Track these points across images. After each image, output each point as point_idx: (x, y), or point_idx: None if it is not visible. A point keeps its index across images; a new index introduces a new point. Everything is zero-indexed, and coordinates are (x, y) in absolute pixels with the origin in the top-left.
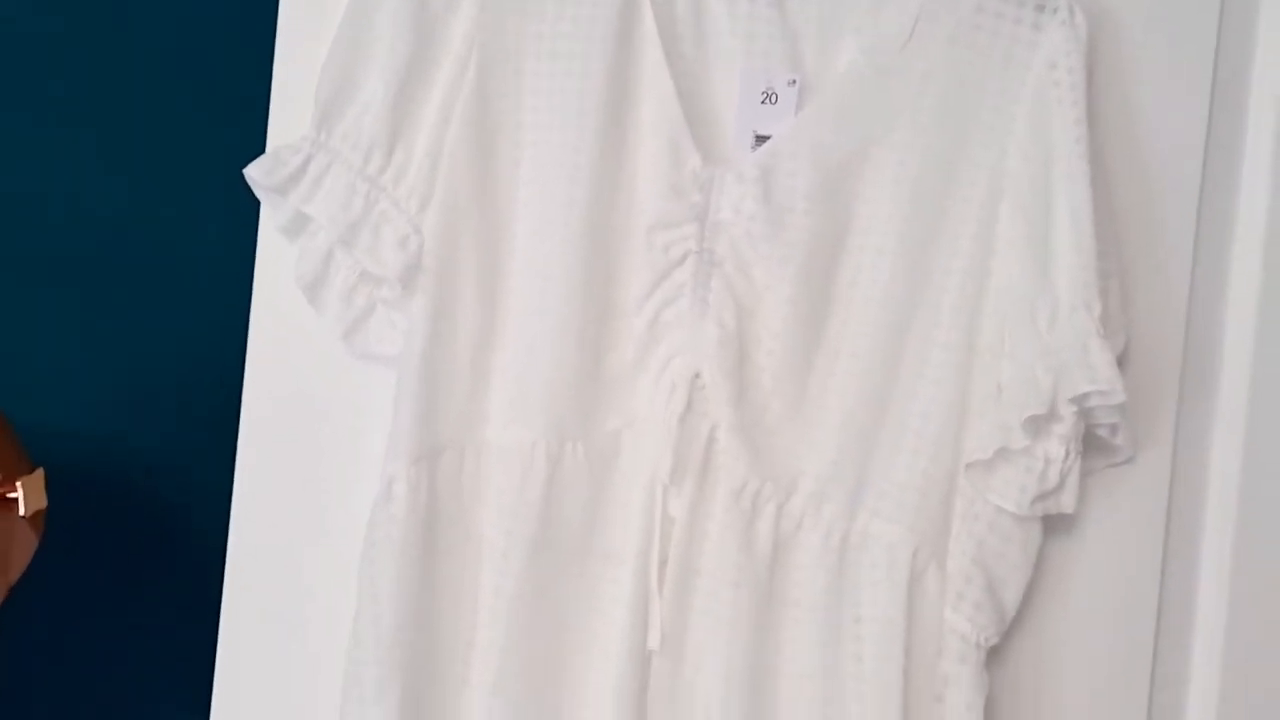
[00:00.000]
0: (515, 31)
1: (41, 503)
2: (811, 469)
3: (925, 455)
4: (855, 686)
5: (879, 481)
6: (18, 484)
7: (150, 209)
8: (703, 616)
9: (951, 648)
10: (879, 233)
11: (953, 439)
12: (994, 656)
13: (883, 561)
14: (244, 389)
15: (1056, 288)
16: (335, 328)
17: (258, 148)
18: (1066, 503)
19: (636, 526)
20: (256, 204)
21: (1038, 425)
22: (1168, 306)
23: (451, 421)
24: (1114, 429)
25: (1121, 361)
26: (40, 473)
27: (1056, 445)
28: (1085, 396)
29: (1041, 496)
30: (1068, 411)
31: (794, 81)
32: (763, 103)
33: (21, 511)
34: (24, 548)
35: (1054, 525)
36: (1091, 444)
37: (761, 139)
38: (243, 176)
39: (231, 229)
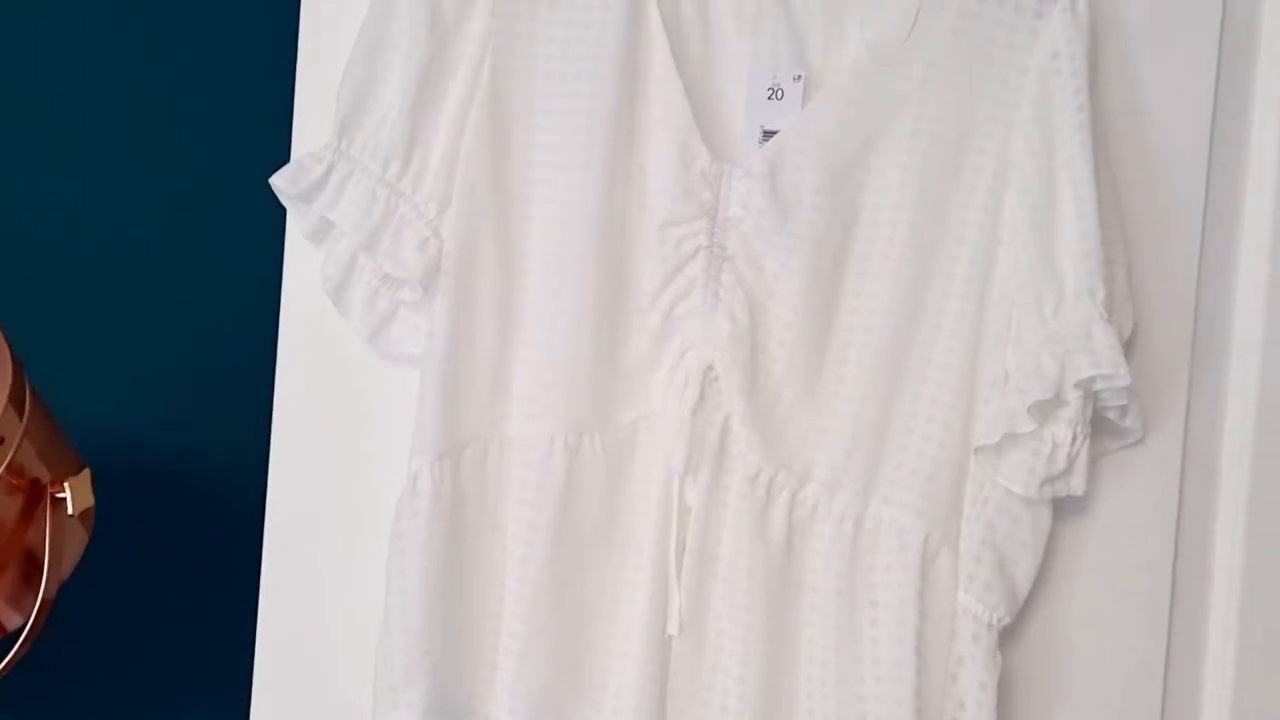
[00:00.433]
0: (526, 36)
1: (89, 501)
2: (824, 457)
3: (935, 441)
4: (871, 669)
5: (891, 468)
6: (66, 484)
7: (187, 218)
8: (721, 602)
9: (964, 629)
10: (886, 223)
11: (962, 424)
12: (1009, 637)
13: (895, 546)
14: (275, 390)
15: (1061, 274)
16: (360, 330)
17: (284, 156)
18: (1076, 485)
19: (654, 516)
20: (284, 211)
21: (1044, 410)
22: (1176, 289)
23: (473, 417)
24: (1123, 411)
25: (1130, 344)
26: (87, 473)
27: (1064, 429)
28: (1090, 381)
29: (1050, 480)
30: (1073, 396)
31: (799, 77)
32: (769, 99)
33: (70, 511)
34: (75, 545)
35: (1066, 507)
36: (1102, 426)
37: (769, 134)
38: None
39: (262, 235)
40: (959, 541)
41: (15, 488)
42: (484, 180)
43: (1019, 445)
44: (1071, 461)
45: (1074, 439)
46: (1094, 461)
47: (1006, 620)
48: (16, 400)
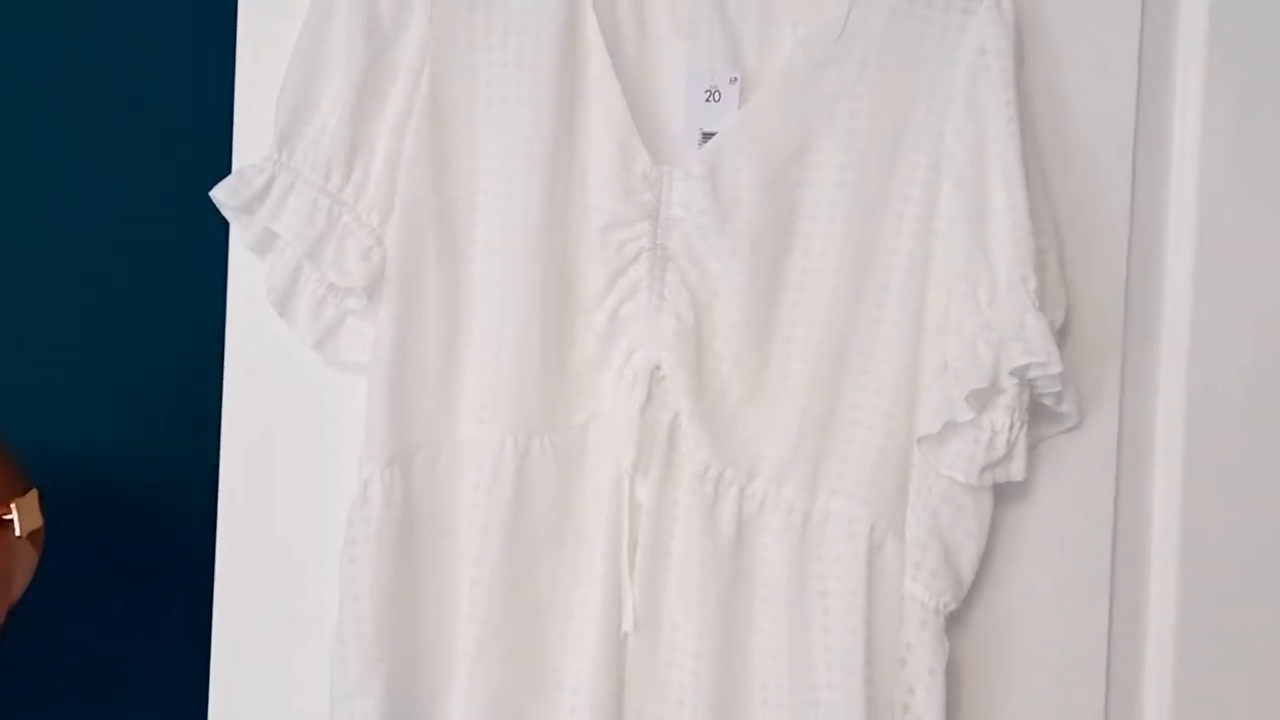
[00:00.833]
0: (465, 43)
1: (37, 522)
2: (771, 451)
3: (879, 431)
4: (823, 656)
5: (836, 460)
6: (12, 505)
7: (130, 231)
8: (674, 598)
9: (912, 615)
10: (825, 219)
11: (905, 415)
12: (956, 622)
13: (843, 536)
14: (223, 402)
15: (995, 265)
16: (306, 339)
17: (225, 166)
18: (1016, 470)
19: (606, 515)
20: (227, 222)
21: (982, 398)
22: (1107, 276)
23: (422, 423)
24: (1058, 398)
25: (1064, 332)
26: (34, 494)
27: (1001, 416)
28: (1024, 368)
29: (990, 466)
30: (1009, 383)
31: (735, 79)
32: (707, 101)
33: (18, 532)
34: (25, 567)
35: (1007, 492)
36: (1039, 413)
37: (708, 136)
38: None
39: (205, 246)
40: (905, 530)
41: None
42: (426, 187)
43: (959, 433)
44: (1010, 448)
45: (1012, 425)
46: (1033, 447)
47: (953, 606)
48: None
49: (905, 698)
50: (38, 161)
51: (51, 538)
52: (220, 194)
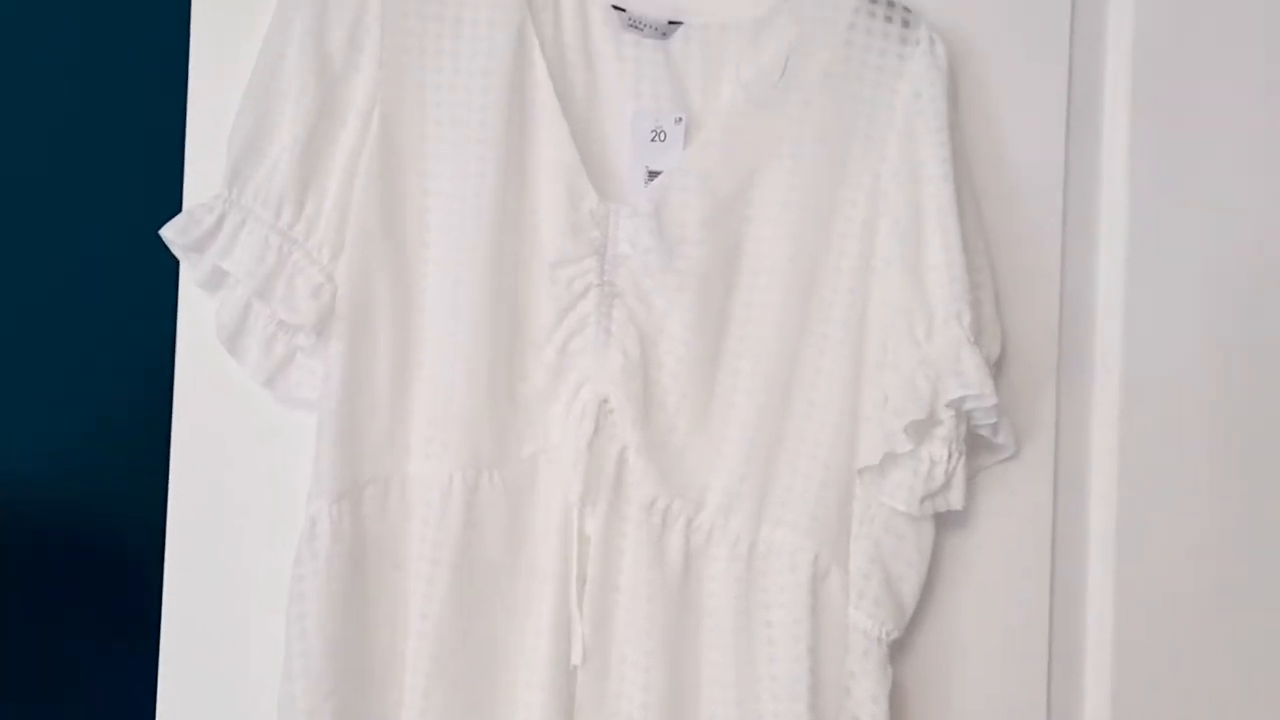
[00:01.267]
0: (415, 84)
1: None
2: (718, 483)
3: (822, 463)
4: (769, 686)
5: (780, 491)
6: None
7: (79, 268)
8: (623, 630)
9: (856, 644)
10: (769, 255)
11: (847, 447)
12: (899, 649)
13: (787, 566)
14: (172, 437)
15: (931, 301)
16: (257, 376)
17: (175, 204)
18: (955, 500)
19: (554, 548)
20: (176, 259)
21: (920, 429)
22: (1041, 310)
23: (372, 458)
24: (995, 429)
25: (1000, 365)
26: None
27: (939, 447)
28: (960, 400)
29: (930, 495)
30: (946, 415)
31: (680, 119)
32: (652, 140)
33: None
34: None
35: (947, 522)
36: (977, 443)
37: (654, 174)
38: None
39: (155, 283)
40: (848, 560)
41: None
42: (376, 225)
43: (899, 464)
44: (949, 478)
45: (950, 456)
46: (971, 477)
47: (895, 634)
48: None
49: None
50: None
51: None
52: (170, 233)
